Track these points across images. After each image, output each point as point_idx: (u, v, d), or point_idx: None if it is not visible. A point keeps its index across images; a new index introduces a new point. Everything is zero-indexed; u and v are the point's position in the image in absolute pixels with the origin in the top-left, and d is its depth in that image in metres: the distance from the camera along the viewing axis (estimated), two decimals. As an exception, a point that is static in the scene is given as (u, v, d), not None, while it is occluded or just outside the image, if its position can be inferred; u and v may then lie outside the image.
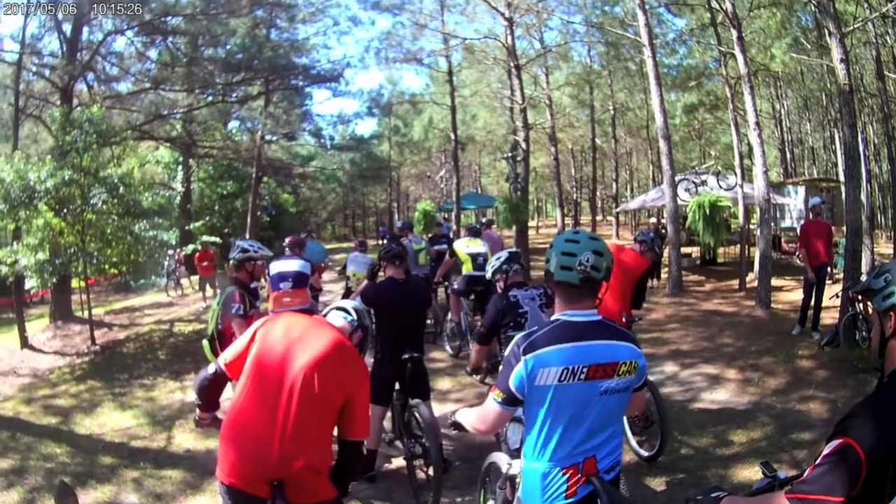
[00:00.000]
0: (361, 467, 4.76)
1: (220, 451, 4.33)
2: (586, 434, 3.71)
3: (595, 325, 3.81)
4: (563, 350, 3.67)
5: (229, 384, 4.77)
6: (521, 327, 6.90)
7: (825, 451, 2.66)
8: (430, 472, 7.23)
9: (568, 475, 3.70)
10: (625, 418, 8.70)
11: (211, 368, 4.62)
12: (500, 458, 5.31)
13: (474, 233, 15.54)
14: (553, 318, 3.89)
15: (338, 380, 4.27)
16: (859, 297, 12.24)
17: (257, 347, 4.37)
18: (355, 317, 4.90)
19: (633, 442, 8.75)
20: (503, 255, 7.87)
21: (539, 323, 4.85)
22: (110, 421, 11.69)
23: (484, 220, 28.86)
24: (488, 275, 7.89)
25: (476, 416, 4.13)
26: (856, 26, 20.59)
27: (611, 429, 3.84)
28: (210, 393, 4.74)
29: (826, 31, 16.52)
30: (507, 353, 3.84)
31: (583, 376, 3.65)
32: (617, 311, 8.72)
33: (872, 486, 2.55)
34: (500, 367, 3.89)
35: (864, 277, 13.39)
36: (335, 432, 4.47)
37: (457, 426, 4.41)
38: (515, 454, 4.94)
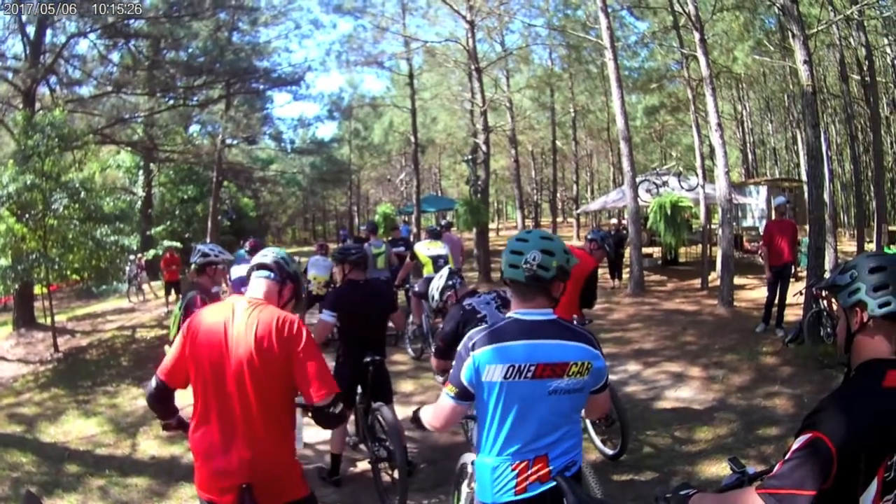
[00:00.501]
0: (339, 420, 4.58)
1: (194, 463, 4.31)
2: (535, 432, 3.74)
3: (547, 323, 3.84)
4: (510, 347, 3.70)
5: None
6: None
7: (795, 446, 2.69)
8: (396, 474, 7.22)
9: (517, 471, 3.73)
10: (587, 419, 8.81)
11: (153, 382, 4.51)
12: (469, 458, 5.26)
13: (434, 235, 15.59)
14: (507, 315, 3.94)
15: (277, 360, 4.17)
16: (824, 294, 12.38)
17: (192, 352, 4.25)
18: (275, 272, 4.65)
19: (597, 441, 8.79)
20: (443, 273, 7.86)
21: None
22: (75, 429, 11.62)
23: (444, 222, 28.90)
24: (436, 300, 7.82)
25: (431, 413, 4.16)
26: (819, 29, 20.76)
27: (564, 429, 3.85)
28: (161, 405, 4.65)
29: (790, 34, 16.62)
30: (459, 348, 3.88)
31: (529, 374, 3.68)
32: (566, 314, 8.74)
33: (844, 479, 2.60)
34: (454, 363, 3.92)
35: (828, 274, 13.58)
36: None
37: (416, 421, 4.42)
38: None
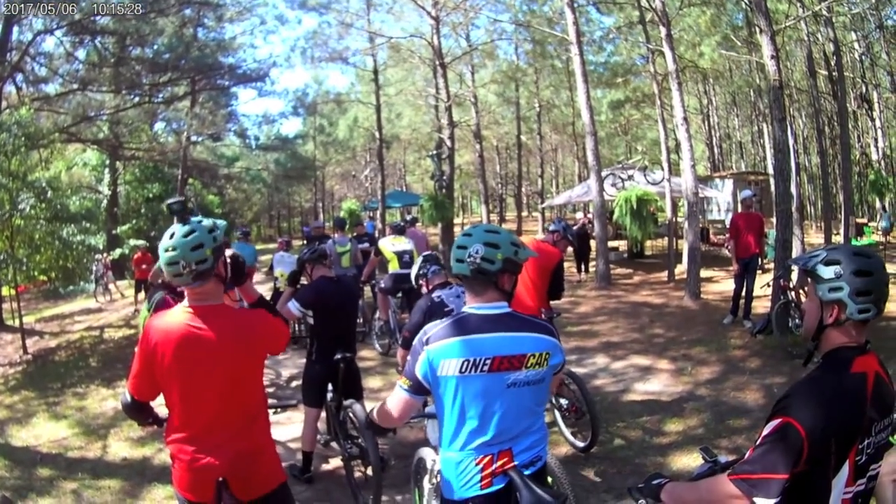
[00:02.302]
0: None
1: (174, 465, 4.27)
2: (498, 426, 3.75)
3: (503, 317, 3.85)
4: (465, 342, 3.72)
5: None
6: None
7: (765, 432, 2.77)
8: (368, 471, 7.24)
9: (481, 465, 3.75)
10: (557, 412, 8.91)
11: (127, 397, 4.43)
12: (427, 453, 5.35)
13: (399, 230, 15.51)
14: (462, 310, 3.96)
15: (248, 366, 4.22)
16: (791, 285, 12.43)
17: (157, 365, 4.14)
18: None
19: (568, 433, 8.84)
20: (419, 260, 7.94)
21: None
22: (45, 432, 11.52)
23: (409, 217, 28.87)
24: (415, 281, 7.88)
25: (385, 406, 4.11)
26: (787, 24, 20.88)
27: (527, 422, 3.87)
28: (137, 415, 4.59)
29: (757, 29, 16.74)
30: (414, 342, 3.90)
31: (486, 368, 3.70)
32: (535, 307, 8.81)
33: (816, 463, 2.68)
34: (408, 357, 3.95)
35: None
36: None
37: (373, 427, 4.51)
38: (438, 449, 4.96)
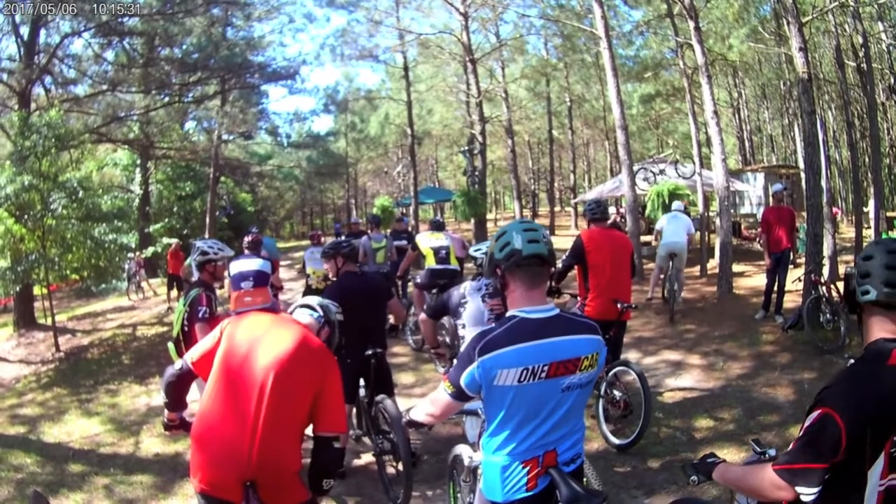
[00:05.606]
0: (337, 465, 4.50)
1: (192, 456, 4.33)
2: (548, 430, 3.68)
3: (554, 319, 3.73)
4: (522, 350, 3.59)
5: (195, 385, 4.77)
6: (458, 316, 7.12)
7: (806, 423, 2.85)
8: (400, 467, 7.20)
9: (528, 468, 3.68)
10: (601, 405, 8.87)
11: (178, 365, 4.57)
12: (464, 451, 5.32)
13: (437, 226, 15.35)
14: (509, 314, 3.79)
15: (305, 378, 4.23)
16: (822, 282, 12.41)
17: (223, 348, 4.32)
18: (321, 313, 4.87)
19: (606, 430, 8.77)
20: (479, 247, 7.87)
21: (476, 314, 4.93)
22: (78, 428, 11.63)
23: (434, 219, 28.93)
24: (474, 251, 7.86)
25: (429, 402, 4.12)
26: (814, 16, 20.76)
27: (573, 422, 3.81)
28: (176, 390, 4.70)
29: (785, 21, 16.64)
30: (463, 349, 3.84)
31: (543, 375, 3.59)
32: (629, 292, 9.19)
33: (854, 452, 2.73)
34: (456, 360, 3.86)
35: (826, 261, 13.72)
36: (308, 431, 4.44)
37: (412, 424, 4.37)
38: (476, 446, 4.94)
